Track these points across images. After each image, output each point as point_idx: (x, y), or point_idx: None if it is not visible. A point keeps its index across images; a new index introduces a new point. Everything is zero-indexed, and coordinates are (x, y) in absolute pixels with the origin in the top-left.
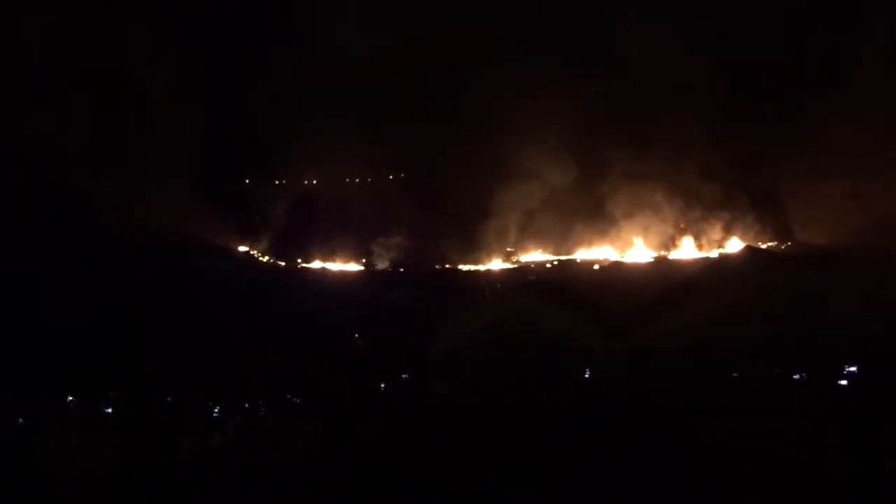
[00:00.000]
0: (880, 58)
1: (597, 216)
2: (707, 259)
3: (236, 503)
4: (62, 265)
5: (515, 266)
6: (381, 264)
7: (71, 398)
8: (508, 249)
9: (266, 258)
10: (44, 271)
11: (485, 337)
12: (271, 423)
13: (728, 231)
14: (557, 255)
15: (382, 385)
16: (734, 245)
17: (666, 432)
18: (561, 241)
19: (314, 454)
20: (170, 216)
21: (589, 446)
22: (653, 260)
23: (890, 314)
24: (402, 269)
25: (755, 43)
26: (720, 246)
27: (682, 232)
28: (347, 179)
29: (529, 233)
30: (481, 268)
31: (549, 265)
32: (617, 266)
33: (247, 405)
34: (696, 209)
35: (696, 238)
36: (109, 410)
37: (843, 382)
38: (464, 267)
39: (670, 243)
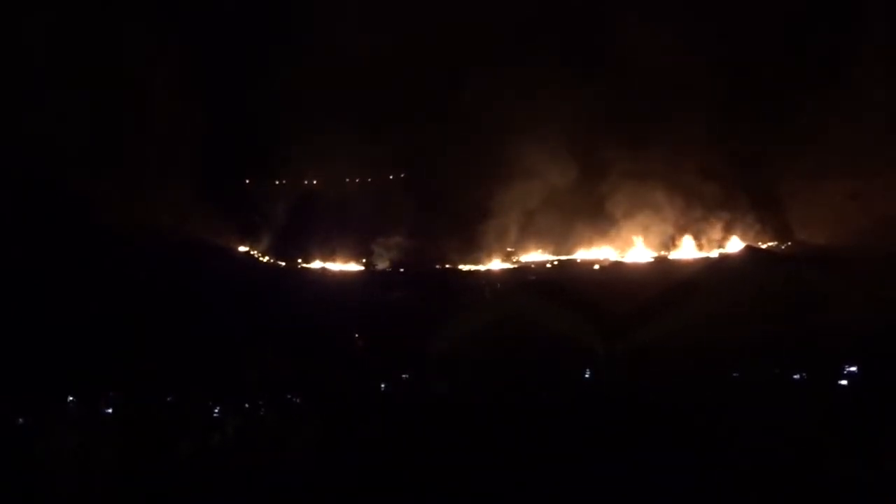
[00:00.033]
0: (880, 58)
1: (597, 216)
2: (707, 259)
3: (236, 503)
4: (62, 265)
5: (515, 266)
6: (381, 264)
7: (71, 398)
8: (508, 249)
9: (266, 258)
10: (44, 271)
11: (485, 337)
12: (271, 423)
13: (728, 231)
14: (557, 255)
15: (382, 385)
16: (734, 245)
17: (666, 432)
18: (561, 241)
19: (314, 454)
20: (170, 216)
21: (589, 446)
22: (653, 260)
23: (890, 314)
24: (402, 269)
25: (755, 43)
26: (720, 246)
27: (682, 231)
28: (347, 179)
29: (529, 233)
30: (481, 268)
31: (549, 265)
32: (617, 266)
33: (247, 405)
34: (696, 209)
35: (696, 238)
36: (109, 410)
37: (844, 382)
38: (464, 267)
39: (670, 243)
